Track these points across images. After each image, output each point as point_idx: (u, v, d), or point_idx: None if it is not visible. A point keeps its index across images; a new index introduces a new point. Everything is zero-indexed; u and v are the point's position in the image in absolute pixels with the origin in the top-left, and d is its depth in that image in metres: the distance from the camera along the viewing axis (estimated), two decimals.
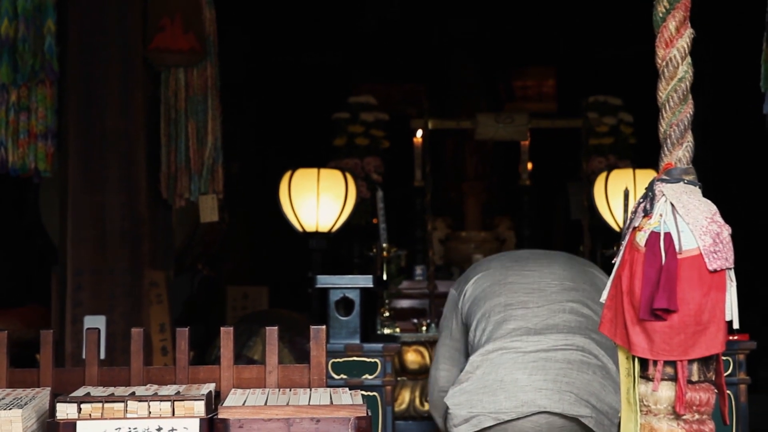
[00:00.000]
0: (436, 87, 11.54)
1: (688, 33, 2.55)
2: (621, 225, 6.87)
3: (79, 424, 2.52)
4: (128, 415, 2.53)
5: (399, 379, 7.42)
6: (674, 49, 2.54)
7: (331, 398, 2.69)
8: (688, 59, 2.54)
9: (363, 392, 2.90)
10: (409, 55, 11.90)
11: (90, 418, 2.53)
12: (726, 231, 2.43)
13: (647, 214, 2.48)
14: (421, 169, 9.61)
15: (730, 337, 5.08)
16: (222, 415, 2.55)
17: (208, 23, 5.61)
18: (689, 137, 2.53)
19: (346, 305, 5.24)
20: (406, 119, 10.05)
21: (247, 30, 10.90)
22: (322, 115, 9.87)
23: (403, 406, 7.55)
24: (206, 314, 9.75)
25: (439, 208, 10.50)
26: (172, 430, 2.52)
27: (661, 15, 2.55)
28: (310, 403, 2.61)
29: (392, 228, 7.42)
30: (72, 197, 5.24)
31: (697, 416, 2.43)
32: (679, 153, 2.52)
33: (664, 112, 2.54)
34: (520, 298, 3.82)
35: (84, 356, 3.00)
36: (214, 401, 2.73)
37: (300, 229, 7.42)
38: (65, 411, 2.53)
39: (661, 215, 2.45)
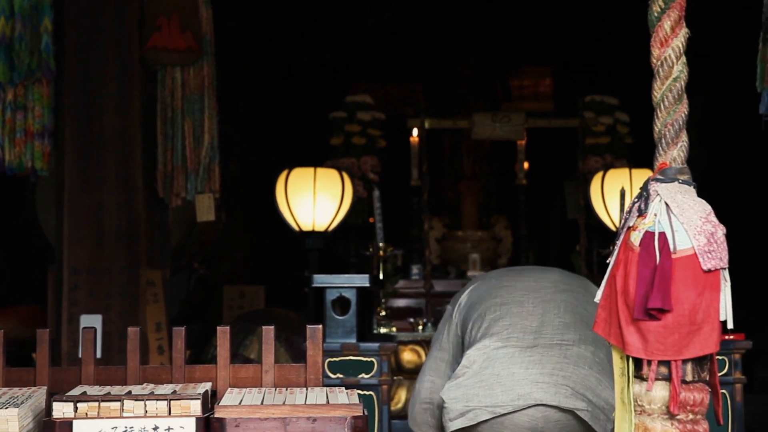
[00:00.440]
0: (433, 86, 11.55)
1: (683, 32, 2.55)
2: (617, 224, 6.88)
3: (75, 423, 2.52)
4: (124, 414, 2.53)
5: (395, 378, 7.42)
6: (669, 48, 2.54)
7: (327, 397, 2.69)
8: (683, 59, 2.55)
9: (359, 391, 2.90)
10: (407, 54, 11.91)
11: (86, 417, 2.53)
12: (720, 231, 2.44)
13: (642, 213, 2.48)
14: (417, 168, 9.61)
15: (726, 337, 5.09)
16: (218, 414, 2.55)
17: (205, 22, 5.62)
18: (684, 137, 2.54)
19: (342, 304, 5.25)
20: (403, 118, 10.05)
21: (245, 29, 10.91)
22: (320, 114, 9.87)
23: (400, 405, 7.56)
24: (203, 313, 9.75)
25: (436, 208, 10.50)
26: (169, 429, 2.52)
27: (656, 14, 2.55)
28: (307, 403, 2.61)
29: (389, 227, 7.42)
30: (69, 196, 5.24)
31: (691, 416, 2.43)
32: (674, 153, 2.53)
33: (659, 112, 2.54)
34: (515, 298, 3.83)
35: (80, 355, 3.00)
36: (210, 400, 2.74)
37: (297, 228, 7.42)
38: (61, 410, 2.54)
39: (655, 215, 2.46)
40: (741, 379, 5.23)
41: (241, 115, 10.82)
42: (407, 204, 9.90)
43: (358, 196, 8.66)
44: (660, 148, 2.54)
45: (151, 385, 2.83)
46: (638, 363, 2.45)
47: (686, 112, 2.54)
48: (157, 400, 2.55)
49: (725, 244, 2.44)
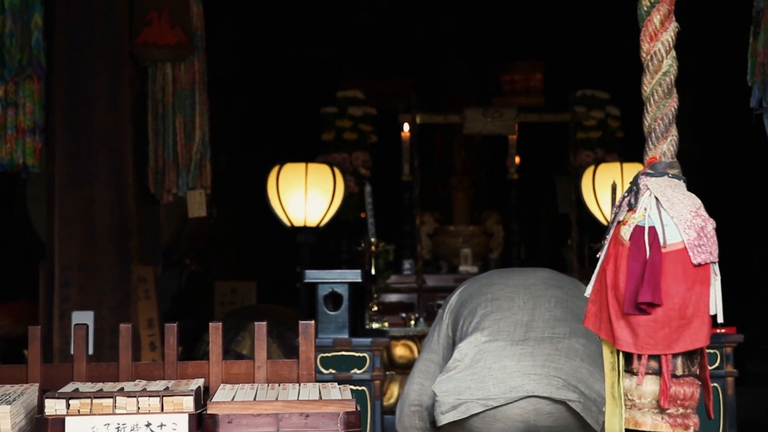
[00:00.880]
0: (424, 81, 11.55)
1: (672, 27, 2.55)
2: (608, 219, 6.90)
3: (67, 420, 2.52)
4: (117, 411, 2.53)
5: (387, 373, 7.43)
6: (659, 42, 2.54)
7: (320, 393, 2.69)
8: (673, 53, 2.55)
9: (352, 387, 2.90)
10: (398, 49, 11.91)
11: (79, 414, 2.53)
12: (710, 225, 2.44)
13: (632, 208, 2.49)
14: (409, 163, 9.62)
15: (718, 330, 5.10)
16: (211, 410, 2.56)
17: (196, 18, 5.61)
18: (674, 131, 2.54)
19: (334, 300, 5.25)
20: (394, 114, 10.06)
21: (237, 24, 10.90)
22: (311, 109, 9.86)
23: (392, 400, 7.56)
24: (194, 309, 9.74)
25: (427, 203, 10.51)
26: (161, 425, 2.52)
27: (645, 9, 2.55)
28: (299, 398, 2.61)
29: (380, 222, 7.43)
30: (60, 193, 5.23)
31: (681, 410, 2.44)
32: (664, 147, 2.53)
33: (648, 106, 2.55)
34: (506, 294, 3.84)
35: (72, 352, 3.00)
36: (203, 397, 2.74)
37: (288, 223, 7.42)
38: (54, 407, 2.53)
39: (645, 209, 2.46)
40: (732, 372, 5.25)
41: (232, 110, 10.81)
42: (399, 199, 9.91)
43: (350, 191, 8.67)
44: (650, 142, 2.54)
45: (144, 382, 2.83)
46: (628, 357, 2.45)
47: (676, 107, 2.54)
48: (150, 396, 2.55)
49: (715, 238, 2.44)
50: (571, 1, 11.05)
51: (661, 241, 2.42)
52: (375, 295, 7.45)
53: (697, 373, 2.46)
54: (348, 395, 2.67)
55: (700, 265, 2.41)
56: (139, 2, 5.39)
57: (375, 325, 6.99)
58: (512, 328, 3.71)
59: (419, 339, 7.61)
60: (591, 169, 8.26)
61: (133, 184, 5.34)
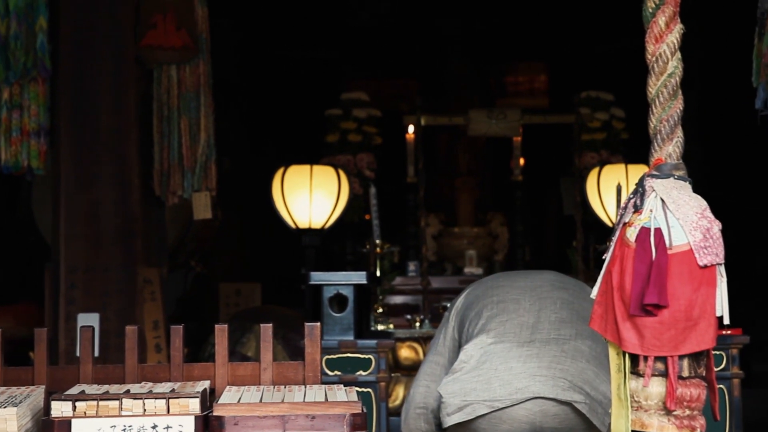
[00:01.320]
0: (428, 83, 11.55)
1: (677, 28, 2.55)
2: (613, 220, 6.89)
3: (74, 422, 2.52)
4: (123, 413, 2.54)
5: (393, 375, 7.43)
6: (664, 44, 2.54)
7: (326, 395, 2.70)
8: (678, 55, 2.55)
9: (357, 388, 2.91)
10: (401, 50, 11.90)
11: (85, 416, 2.53)
12: (716, 226, 2.44)
13: (637, 209, 2.49)
14: (413, 165, 9.62)
15: (723, 332, 5.09)
16: (217, 412, 2.56)
17: (201, 20, 5.62)
18: (679, 133, 2.54)
19: (339, 302, 5.25)
20: (398, 115, 10.06)
21: (240, 26, 10.89)
22: (315, 111, 9.86)
23: (397, 401, 7.56)
24: (199, 311, 9.74)
25: (432, 204, 10.51)
26: (168, 427, 2.52)
27: (650, 10, 2.55)
28: (305, 400, 2.62)
29: (385, 224, 7.43)
30: (65, 195, 5.24)
31: (687, 412, 2.44)
32: (669, 148, 2.53)
33: (654, 108, 2.55)
34: (512, 296, 3.84)
35: (78, 354, 3.00)
36: (209, 398, 2.74)
37: (293, 225, 7.43)
38: (60, 409, 2.54)
39: (651, 211, 2.46)
40: (739, 374, 5.23)
41: (236, 111, 10.81)
42: (403, 201, 9.91)
43: (355, 193, 8.67)
44: (655, 144, 2.54)
45: (150, 384, 2.83)
46: (634, 359, 2.45)
47: (681, 108, 2.54)
48: (156, 398, 2.55)
49: (721, 239, 2.44)
50: (575, 2, 11.04)
51: (667, 242, 2.42)
52: (380, 297, 7.45)
53: (704, 374, 2.46)
54: (354, 397, 2.67)
55: (706, 266, 2.40)
56: (144, 4, 5.40)
57: (380, 327, 6.99)
58: (518, 329, 3.71)
59: (424, 341, 7.61)
60: (596, 170, 8.26)
61: (138, 187, 5.35)
